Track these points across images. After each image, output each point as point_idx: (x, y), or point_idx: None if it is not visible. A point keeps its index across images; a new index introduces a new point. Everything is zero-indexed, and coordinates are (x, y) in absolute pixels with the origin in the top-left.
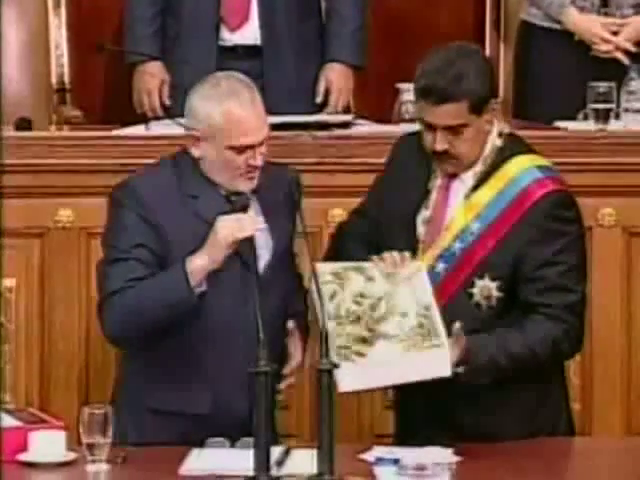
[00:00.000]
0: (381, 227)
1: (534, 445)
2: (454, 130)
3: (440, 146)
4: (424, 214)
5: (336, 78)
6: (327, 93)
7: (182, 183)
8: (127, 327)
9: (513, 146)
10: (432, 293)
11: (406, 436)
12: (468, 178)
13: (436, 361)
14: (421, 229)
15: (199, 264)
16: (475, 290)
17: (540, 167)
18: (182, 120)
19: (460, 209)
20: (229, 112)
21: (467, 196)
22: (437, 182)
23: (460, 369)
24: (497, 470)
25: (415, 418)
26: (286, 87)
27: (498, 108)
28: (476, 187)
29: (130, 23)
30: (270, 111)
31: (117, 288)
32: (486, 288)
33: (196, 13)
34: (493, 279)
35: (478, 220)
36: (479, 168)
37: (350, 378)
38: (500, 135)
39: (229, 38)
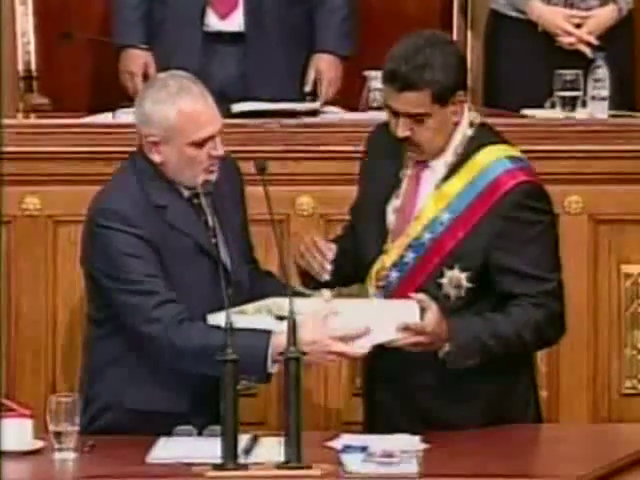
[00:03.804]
0: (357, 221)
1: (501, 432)
2: (416, 118)
3: (401, 132)
4: (394, 203)
5: (326, 69)
6: (316, 83)
7: (148, 194)
8: (178, 352)
9: (484, 136)
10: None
11: (373, 424)
12: (439, 168)
13: (405, 311)
14: (391, 218)
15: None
16: (444, 280)
17: (511, 157)
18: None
19: (430, 199)
20: (184, 110)
21: (437, 186)
22: (408, 171)
23: (447, 347)
24: (464, 457)
25: (382, 407)
26: (271, 73)
27: (466, 99)
28: (447, 177)
29: (116, 8)
30: (253, 97)
31: (160, 300)
32: (456, 278)
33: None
34: (463, 270)
35: (448, 210)
36: (450, 158)
37: None
38: (471, 125)
39: (215, 25)
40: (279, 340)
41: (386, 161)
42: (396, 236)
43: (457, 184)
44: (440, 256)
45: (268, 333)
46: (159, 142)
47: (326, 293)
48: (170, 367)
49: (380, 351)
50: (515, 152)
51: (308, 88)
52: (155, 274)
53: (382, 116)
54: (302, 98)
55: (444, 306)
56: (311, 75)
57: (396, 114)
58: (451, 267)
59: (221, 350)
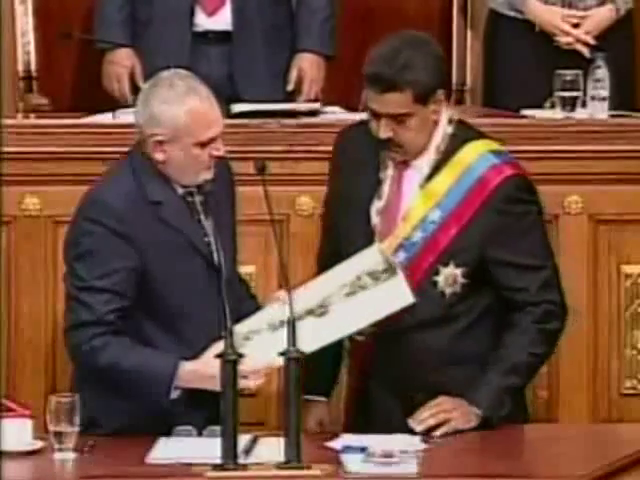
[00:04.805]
0: (338, 224)
1: (500, 432)
2: (398, 119)
3: (384, 134)
4: (377, 205)
5: (308, 68)
6: (299, 82)
7: (143, 189)
8: (88, 368)
9: (464, 132)
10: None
11: (370, 424)
12: (422, 167)
13: (394, 291)
14: (376, 219)
15: (187, 380)
16: (440, 278)
17: (494, 152)
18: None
19: (417, 198)
20: (193, 110)
21: (422, 185)
22: (389, 172)
23: (478, 412)
24: (464, 457)
25: (379, 406)
26: (255, 72)
27: (445, 98)
28: (430, 176)
29: (100, 8)
30: (238, 97)
31: (90, 320)
32: (451, 275)
33: None
34: (458, 266)
35: (438, 208)
36: (432, 157)
37: (311, 335)
38: (450, 122)
39: (202, 23)
40: (185, 370)
41: (363, 162)
42: (383, 237)
43: (444, 182)
44: (434, 254)
45: (176, 361)
46: (165, 141)
47: (282, 294)
48: (89, 381)
49: (374, 351)
50: (496, 146)
51: (290, 87)
52: (105, 287)
53: None
54: (286, 98)
55: (439, 303)
56: (293, 74)
57: (378, 116)
58: (446, 264)
59: (128, 373)
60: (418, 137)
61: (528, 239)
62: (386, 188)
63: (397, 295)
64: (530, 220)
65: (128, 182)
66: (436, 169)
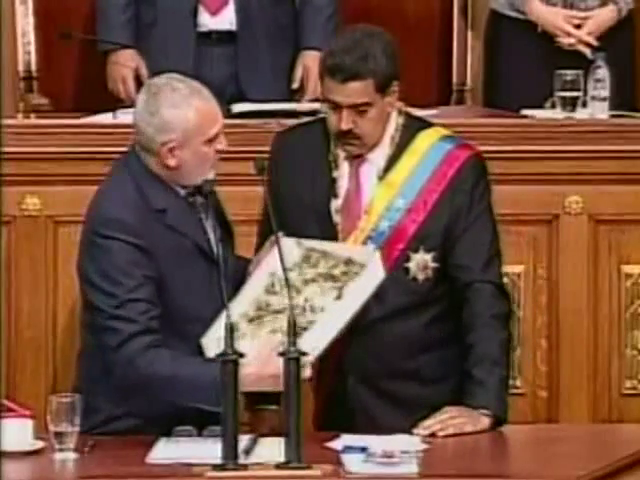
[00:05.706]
0: (291, 228)
1: (500, 433)
2: (359, 109)
3: (345, 125)
4: (336, 203)
5: (313, 65)
6: (304, 80)
7: (146, 197)
8: (143, 381)
9: (414, 122)
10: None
11: (354, 423)
12: (378, 159)
13: (370, 273)
14: (337, 218)
15: (246, 384)
16: (411, 264)
17: (447, 138)
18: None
19: (378, 190)
20: (199, 108)
21: (381, 177)
22: (344, 169)
23: (488, 414)
24: (464, 457)
25: (362, 404)
26: (259, 72)
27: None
28: (388, 167)
29: (103, 10)
30: (243, 96)
31: (137, 330)
32: (422, 260)
33: None
34: (428, 250)
35: (401, 196)
36: (387, 149)
37: (313, 342)
38: (399, 113)
39: (206, 23)
40: (244, 374)
41: (309, 164)
42: (347, 234)
43: (403, 171)
44: (404, 241)
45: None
46: (176, 146)
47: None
48: (137, 394)
49: (350, 346)
50: (446, 132)
51: (296, 85)
52: (139, 297)
53: None
54: (290, 96)
55: (413, 290)
56: (299, 72)
57: (338, 108)
58: (416, 250)
59: (187, 383)
60: (376, 128)
61: (484, 217)
62: (343, 185)
63: (372, 276)
64: (486, 200)
65: (130, 192)
66: (392, 160)
